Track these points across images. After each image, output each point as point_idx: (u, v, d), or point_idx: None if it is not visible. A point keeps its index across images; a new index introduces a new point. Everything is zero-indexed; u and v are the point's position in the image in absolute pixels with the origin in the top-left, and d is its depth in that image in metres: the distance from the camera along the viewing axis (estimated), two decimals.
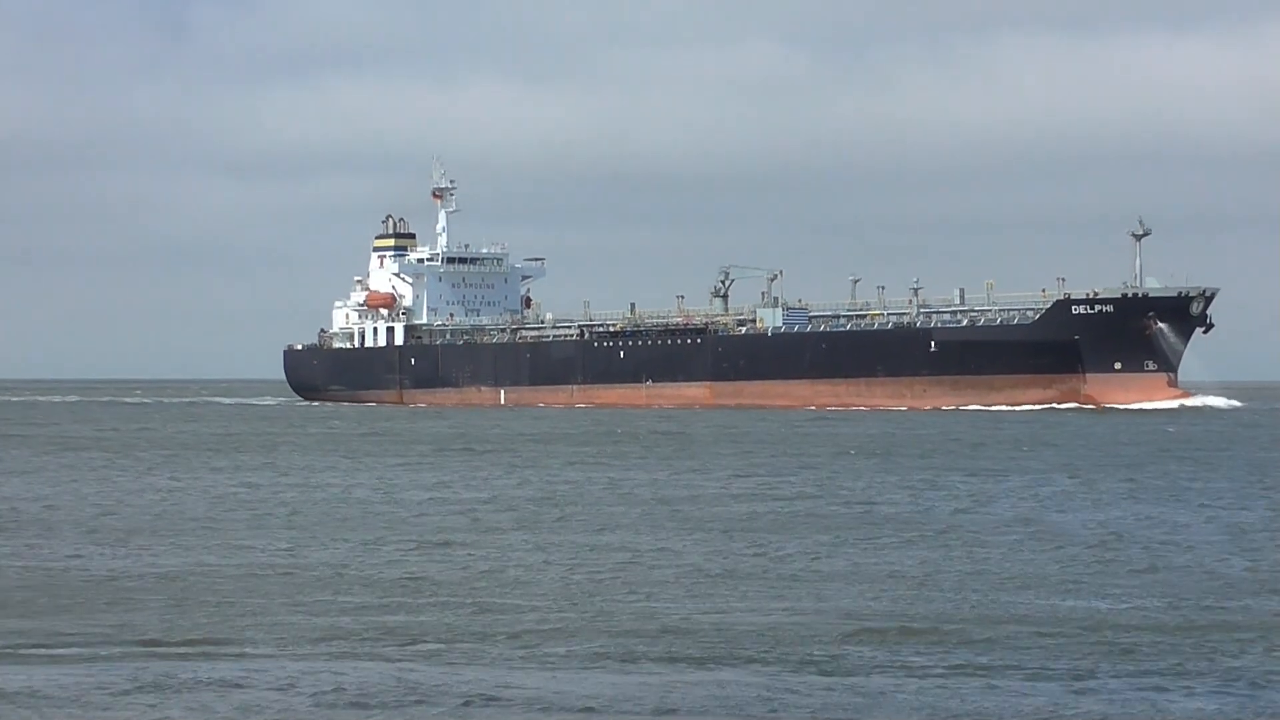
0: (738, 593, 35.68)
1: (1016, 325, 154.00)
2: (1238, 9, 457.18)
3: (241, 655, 28.67)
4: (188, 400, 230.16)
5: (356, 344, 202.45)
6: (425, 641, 29.94)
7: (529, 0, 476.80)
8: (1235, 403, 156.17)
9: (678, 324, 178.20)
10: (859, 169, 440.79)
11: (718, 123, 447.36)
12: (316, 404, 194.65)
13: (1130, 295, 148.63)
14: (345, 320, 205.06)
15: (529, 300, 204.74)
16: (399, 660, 28.19)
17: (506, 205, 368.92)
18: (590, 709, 24.48)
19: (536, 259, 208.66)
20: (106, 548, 44.19)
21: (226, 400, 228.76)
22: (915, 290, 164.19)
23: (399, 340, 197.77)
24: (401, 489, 63.65)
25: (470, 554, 42.69)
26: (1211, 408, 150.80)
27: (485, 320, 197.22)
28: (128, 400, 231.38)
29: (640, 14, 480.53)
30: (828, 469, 73.45)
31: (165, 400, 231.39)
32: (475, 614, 32.88)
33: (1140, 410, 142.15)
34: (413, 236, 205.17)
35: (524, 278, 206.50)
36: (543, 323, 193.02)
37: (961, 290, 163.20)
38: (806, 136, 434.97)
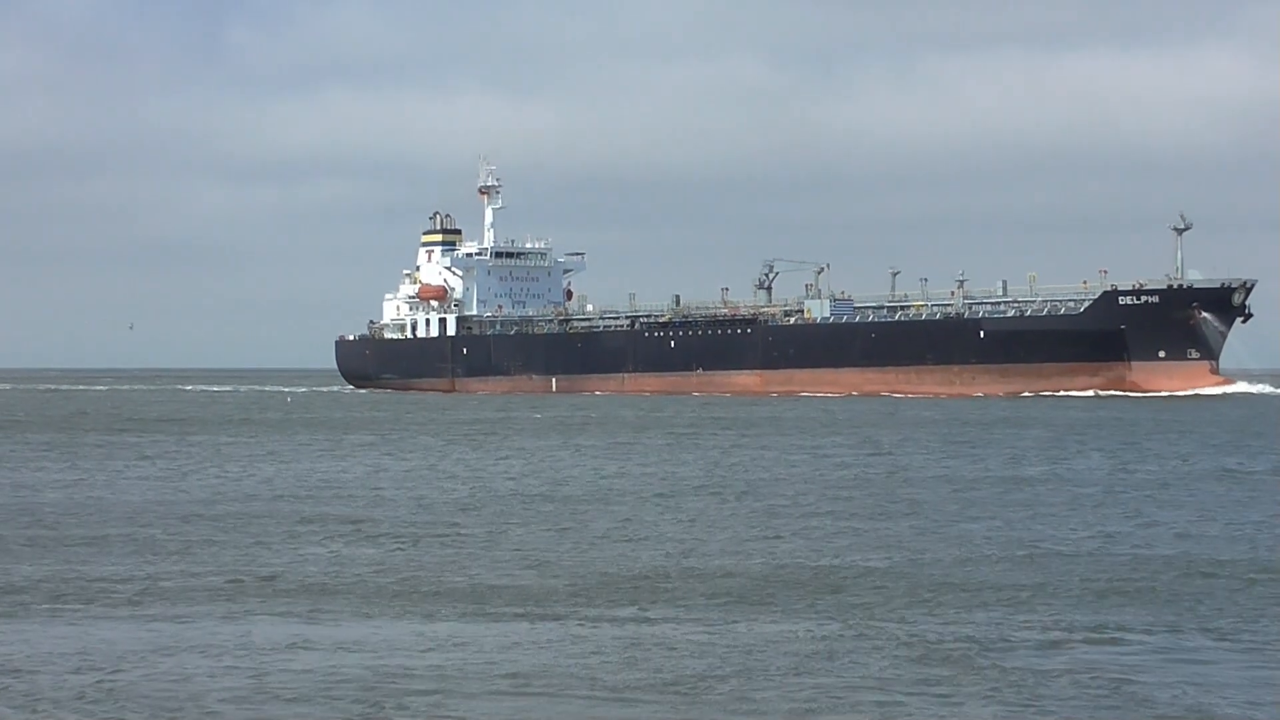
0: None
1: (1064, 315, 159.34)
2: (1180, 31, 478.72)
3: None
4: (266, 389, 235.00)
5: (409, 334, 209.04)
6: None
7: (524, 15, 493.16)
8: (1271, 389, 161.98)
9: (725, 315, 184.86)
10: (869, 171, 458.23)
11: (706, 130, 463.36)
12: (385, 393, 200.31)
13: (1176, 286, 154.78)
14: (396, 312, 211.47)
15: (570, 292, 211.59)
16: None
17: (529, 206, 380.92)
18: None
19: (577, 254, 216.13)
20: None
21: (299, 389, 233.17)
22: (960, 282, 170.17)
23: (451, 331, 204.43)
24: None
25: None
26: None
27: (532, 311, 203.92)
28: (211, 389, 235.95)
29: (632, 30, 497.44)
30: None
31: (250, 388, 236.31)
32: None
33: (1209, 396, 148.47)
34: (459, 232, 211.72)
35: (565, 271, 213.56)
36: (589, 314, 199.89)
37: (1004, 282, 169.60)
38: (792, 142, 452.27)
